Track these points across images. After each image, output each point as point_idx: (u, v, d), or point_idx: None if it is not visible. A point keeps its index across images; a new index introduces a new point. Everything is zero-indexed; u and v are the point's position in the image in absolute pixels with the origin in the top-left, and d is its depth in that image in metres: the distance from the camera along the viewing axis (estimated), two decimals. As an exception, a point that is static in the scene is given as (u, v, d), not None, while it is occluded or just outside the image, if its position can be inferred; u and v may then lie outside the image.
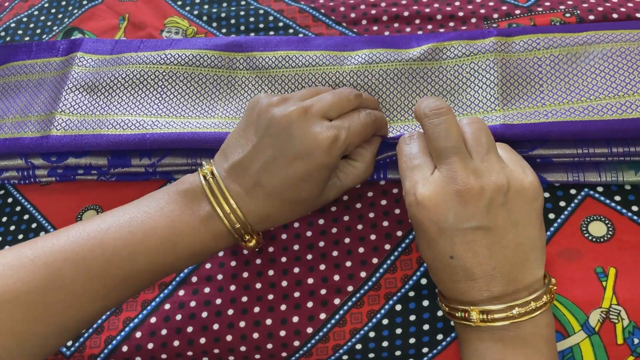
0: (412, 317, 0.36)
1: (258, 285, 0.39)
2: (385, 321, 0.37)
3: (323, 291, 0.38)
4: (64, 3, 0.55)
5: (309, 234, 0.40)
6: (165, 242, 0.32)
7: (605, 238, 0.37)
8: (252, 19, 0.51)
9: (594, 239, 0.37)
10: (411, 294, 0.37)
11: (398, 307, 0.37)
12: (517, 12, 0.47)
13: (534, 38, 0.41)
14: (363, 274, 0.38)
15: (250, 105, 0.35)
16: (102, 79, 0.43)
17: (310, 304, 0.38)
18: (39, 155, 0.42)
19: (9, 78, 0.46)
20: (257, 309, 0.38)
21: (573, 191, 0.39)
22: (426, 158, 0.33)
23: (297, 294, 0.38)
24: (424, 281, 0.37)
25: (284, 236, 0.40)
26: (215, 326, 0.38)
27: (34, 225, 0.43)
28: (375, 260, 0.38)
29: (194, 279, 0.40)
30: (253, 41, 0.44)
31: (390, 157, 0.39)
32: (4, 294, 0.29)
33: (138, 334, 0.38)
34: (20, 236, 0.43)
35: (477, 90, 0.40)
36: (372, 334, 0.36)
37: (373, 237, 0.39)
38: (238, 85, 0.43)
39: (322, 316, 0.37)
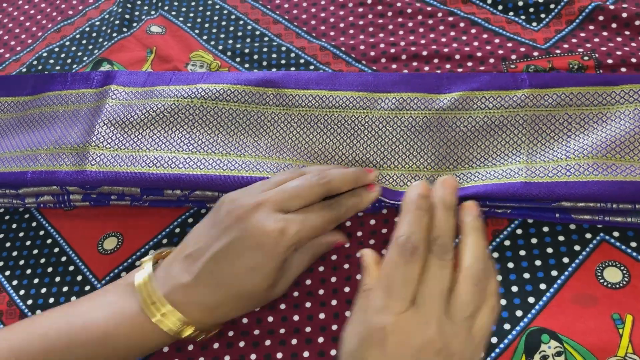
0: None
1: (270, 319, 0.39)
2: None
3: (334, 327, 0.38)
4: (94, 35, 0.57)
5: (321, 268, 0.40)
6: (104, 334, 0.33)
7: (621, 284, 0.37)
8: (274, 55, 0.52)
9: (609, 285, 0.37)
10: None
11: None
12: (535, 54, 0.48)
13: (567, 92, 0.41)
14: None
15: (219, 201, 0.36)
16: (135, 112, 0.45)
17: (321, 339, 0.38)
18: (73, 185, 0.44)
19: (44, 108, 0.47)
20: (268, 342, 0.38)
21: (588, 235, 0.39)
22: None
23: (308, 329, 0.38)
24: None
25: None
26: (227, 358, 0.38)
27: (56, 250, 0.44)
28: None
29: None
30: (284, 77, 0.45)
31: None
32: None
33: (150, 362, 0.39)
34: (43, 260, 0.44)
35: (504, 145, 0.40)
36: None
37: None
38: (267, 121, 0.44)
39: (333, 352, 0.37)
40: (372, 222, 0.42)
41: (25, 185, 0.44)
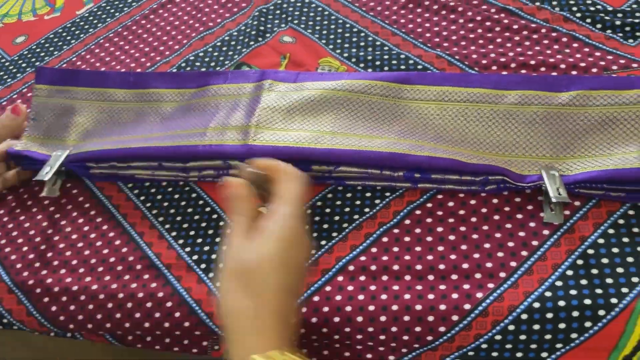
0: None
1: (407, 278, 0.45)
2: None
3: (478, 275, 0.44)
4: (233, 43, 0.66)
5: (463, 229, 0.47)
6: None
7: None
8: (394, 62, 0.60)
9: None
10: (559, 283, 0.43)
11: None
12: (635, 65, 0.54)
13: None
14: (513, 264, 0.44)
15: None
16: (289, 100, 0.53)
17: (467, 286, 0.44)
18: (237, 158, 0.51)
19: (208, 98, 0.56)
20: (407, 296, 0.44)
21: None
22: None
23: (454, 277, 0.44)
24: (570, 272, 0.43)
25: (440, 229, 0.47)
26: (371, 307, 0.44)
27: (214, 216, 0.52)
28: (524, 253, 0.45)
29: (351, 267, 0.47)
30: (418, 76, 0.53)
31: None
32: None
33: (304, 309, 0.45)
34: (204, 224, 0.52)
35: (616, 137, 0.46)
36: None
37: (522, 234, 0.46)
38: (401, 112, 0.51)
39: (479, 295, 0.43)
40: (495, 200, 0.48)
41: (196, 157, 0.51)
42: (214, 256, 0.50)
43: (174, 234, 0.52)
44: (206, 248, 0.50)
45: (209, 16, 0.71)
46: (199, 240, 0.51)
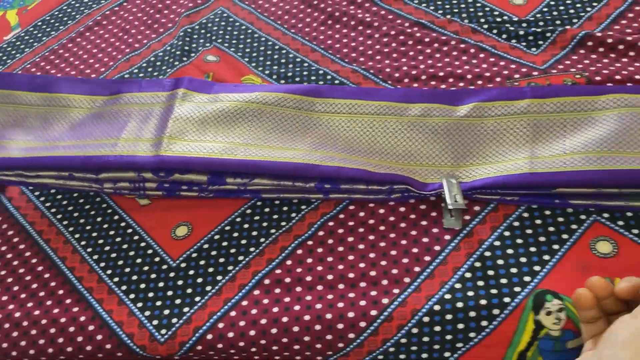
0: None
1: (319, 288, 0.47)
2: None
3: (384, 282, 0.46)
4: (158, 63, 0.67)
5: (372, 237, 0.49)
6: None
7: (611, 255, 0.44)
8: (313, 77, 0.62)
9: (601, 255, 0.45)
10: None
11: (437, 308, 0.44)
12: (535, 73, 0.57)
13: (562, 101, 0.50)
14: (417, 269, 0.46)
15: None
16: (203, 110, 0.54)
17: (374, 293, 0.46)
18: (149, 170, 0.52)
19: (121, 106, 0.56)
20: (319, 306, 0.46)
21: (583, 217, 0.47)
22: None
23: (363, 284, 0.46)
24: (458, 285, 0.45)
25: (350, 239, 0.49)
26: (285, 319, 0.46)
27: (135, 237, 0.53)
28: (427, 258, 0.47)
29: (267, 281, 0.48)
30: (330, 89, 0.55)
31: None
32: None
33: (221, 325, 0.47)
34: (125, 245, 0.53)
35: (510, 144, 0.49)
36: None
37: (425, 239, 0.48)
38: (313, 124, 0.53)
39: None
40: (402, 209, 0.50)
41: (106, 167, 0.52)
42: (134, 277, 0.50)
43: (95, 257, 0.52)
44: (127, 270, 0.51)
45: (135, 37, 0.71)
46: (120, 262, 0.52)
